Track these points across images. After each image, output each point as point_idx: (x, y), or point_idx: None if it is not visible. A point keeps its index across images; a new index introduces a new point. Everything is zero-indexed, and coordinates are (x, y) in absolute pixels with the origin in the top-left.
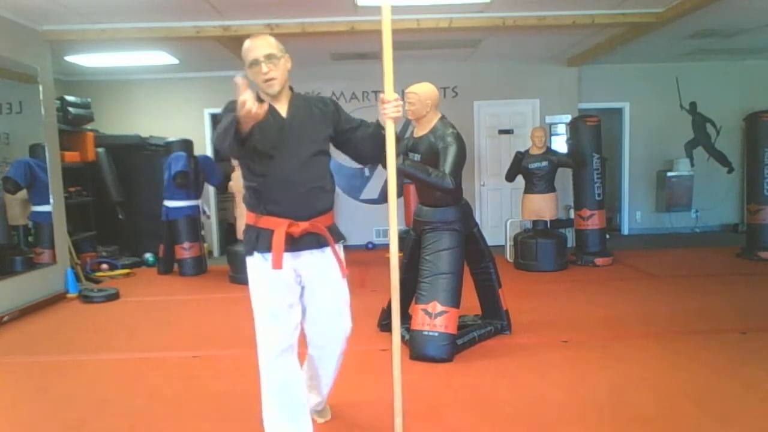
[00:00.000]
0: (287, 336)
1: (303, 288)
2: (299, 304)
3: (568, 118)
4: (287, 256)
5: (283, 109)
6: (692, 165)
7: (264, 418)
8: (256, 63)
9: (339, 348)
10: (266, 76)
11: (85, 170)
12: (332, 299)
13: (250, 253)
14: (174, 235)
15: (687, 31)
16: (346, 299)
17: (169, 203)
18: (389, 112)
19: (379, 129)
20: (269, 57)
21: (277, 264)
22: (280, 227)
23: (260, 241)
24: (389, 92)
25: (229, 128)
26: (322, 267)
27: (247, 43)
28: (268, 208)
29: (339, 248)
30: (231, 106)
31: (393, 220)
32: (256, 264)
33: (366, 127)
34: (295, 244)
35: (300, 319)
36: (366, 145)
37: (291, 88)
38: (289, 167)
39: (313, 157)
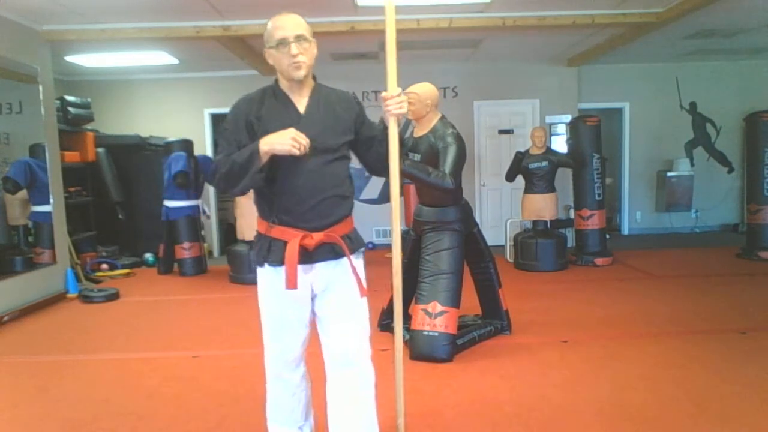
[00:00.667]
0: (295, 349)
1: (315, 297)
2: (310, 317)
3: (568, 118)
4: (300, 270)
5: (302, 103)
6: (692, 165)
7: (268, 423)
8: (284, 43)
9: (358, 366)
10: (295, 59)
11: (85, 170)
12: (345, 307)
13: (261, 265)
14: (174, 235)
15: (687, 31)
16: (361, 310)
17: (169, 203)
18: (392, 109)
19: (386, 133)
20: (300, 38)
21: (292, 283)
22: (292, 241)
23: (272, 252)
24: (392, 87)
25: (249, 163)
26: (337, 276)
27: (272, 22)
28: (280, 218)
29: (359, 257)
30: (228, 136)
31: (396, 220)
32: (267, 277)
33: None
34: (309, 256)
35: (309, 331)
36: (383, 160)
37: (314, 77)
38: (302, 175)
39: (329, 164)
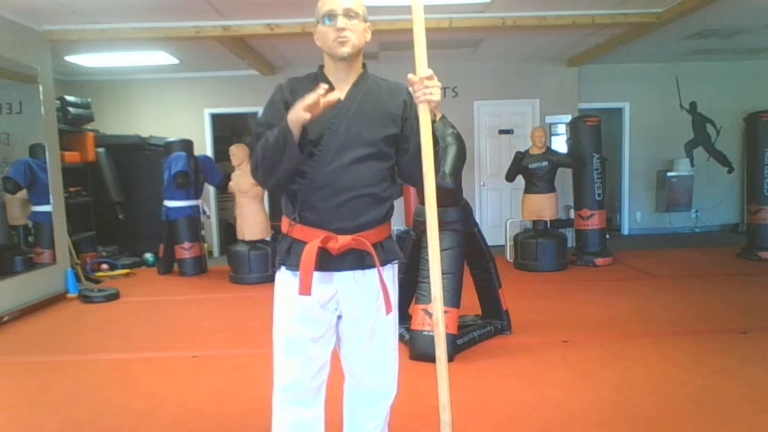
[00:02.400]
0: (306, 377)
1: (339, 317)
2: (331, 337)
3: (568, 118)
4: (321, 278)
5: (343, 90)
6: (692, 165)
7: None
8: (331, 16)
9: (383, 404)
10: (341, 33)
11: (85, 170)
12: (375, 333)
13: (278, 268)
14: (174, 235)
15: (687, 31)
16: (393, 336)
17: (169, 203)
18: (419, 95)
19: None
20: (349, 12)
21: (305, 288)
22: (312, 242)
23: (292, 254)
24: (421, 68)
25: (280, 140)
26: (364, 292)
27: None
28: (303, 216)
29: (392, 269)
30: (262, 121)
31: (434, 230)
32: (284, 281)
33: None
34: (332, 262)
35: (328, 357)
36: (416, 165)
37: (364, 65)
38: (334, 168)
39: (365, 159)
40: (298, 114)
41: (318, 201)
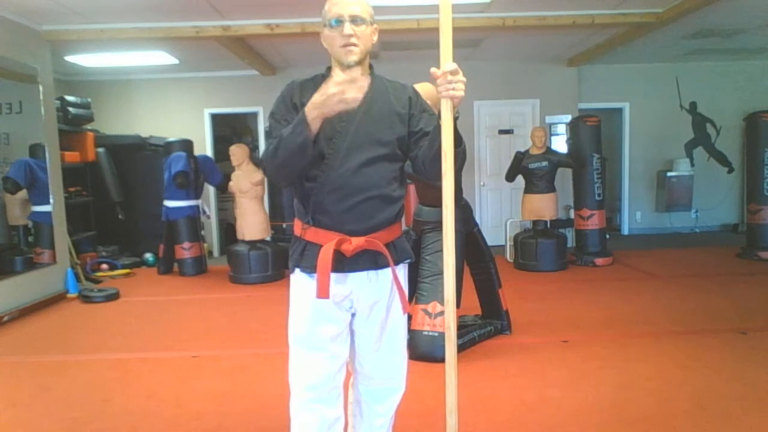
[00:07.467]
0: (330, 374)
1: (354, 315)
2: (347, 335)
3: (568, 118)
4: (336, 279)
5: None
6: (692, 165)
7: None
8: (338, 22)
9: (390, 401)
10: (347, 40)
11: (85, 170)
12: (387, 332)
13: (293, 270)
14: (174, 235)
15: (687, 31)
16: (403, 335)
17: (169, 203)
18: (442, 90)
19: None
20: (356, 18)
21: (323, 292)
22: (327, 244)
23: (306, 257)
24: (446, 61)
25: (297, 135)
26: (377, 290)
27: (329, 0)
28: (316, 219)
29: (403, 268)
30: (277, 117)
31: (450, 229)
32: (299, 283)
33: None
34: (346, 264)
35: (347, 355)
36: (431, 159)
37: (371, 67)
38: (344, 170)
39: (376, 161)
40: (328, 104)
41: (330, 204)
